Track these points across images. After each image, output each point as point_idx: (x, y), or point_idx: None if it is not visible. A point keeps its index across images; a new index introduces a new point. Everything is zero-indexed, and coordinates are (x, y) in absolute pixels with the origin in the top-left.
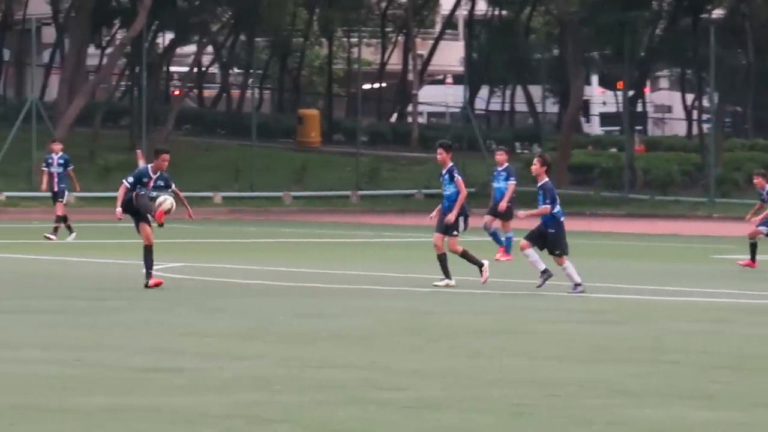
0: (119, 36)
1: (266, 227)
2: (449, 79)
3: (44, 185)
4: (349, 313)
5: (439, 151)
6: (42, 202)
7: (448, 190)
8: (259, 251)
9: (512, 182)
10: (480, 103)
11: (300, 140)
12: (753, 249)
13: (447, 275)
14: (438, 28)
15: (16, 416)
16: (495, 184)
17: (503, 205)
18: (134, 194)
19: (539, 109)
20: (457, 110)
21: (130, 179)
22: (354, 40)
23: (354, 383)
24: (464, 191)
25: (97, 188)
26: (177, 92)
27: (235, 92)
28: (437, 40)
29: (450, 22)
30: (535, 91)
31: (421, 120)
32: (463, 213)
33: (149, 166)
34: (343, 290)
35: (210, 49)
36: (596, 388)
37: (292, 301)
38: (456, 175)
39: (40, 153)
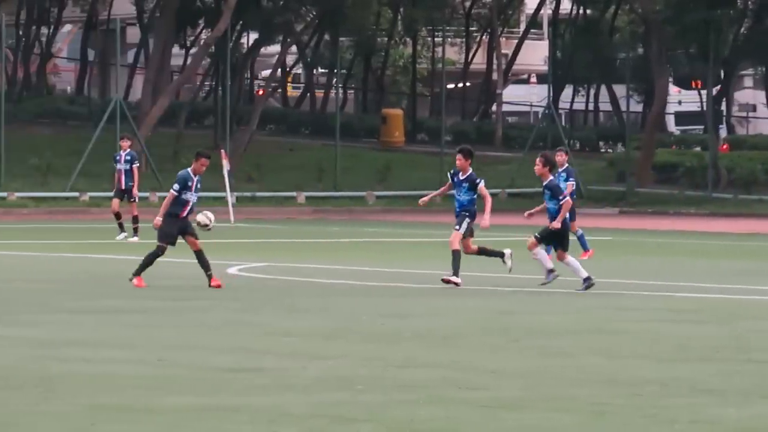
0: (203, 36)
1: (349, 227)
2: (533, 79)
3: (119, 183)
4: (431, 312)
5: (459, 157)
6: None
7: (463, 195)
8: (343, 251)
9: (571, 182)
10: (564, 103)
11: (383, 140)
12: None
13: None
14: (522, 27)
15: (98, 416)
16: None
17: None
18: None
19: (623, 108)
20: (541, 109)
21: (177, 186)
22: (438, 39)
23: (436, 383)
24: (489, 197)
25: None
26: (261, 92)
27: (319, 92)
28: (521, 39)
29: (534, 22)
30: (619, 90)
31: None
32: (472, 215)
33: (189, 169)
34: (426, 290)
35: (294, 48)
36: (679, 387)
37: (375, 300)
38: (478, 182)
39: None
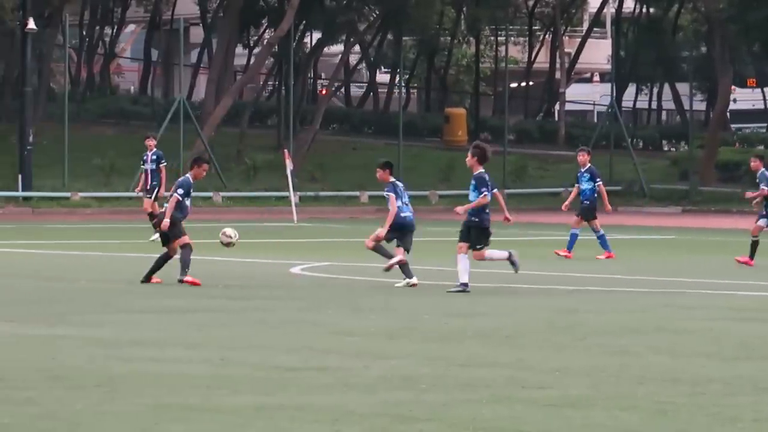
0: (267, 36)
1: None
2: (596, 77)
3: (140, 185)
4: (494, 311)
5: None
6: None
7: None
8: None
9: (600, 182)
10: (627, 101)
11: (446, 139)
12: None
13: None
14: (585, 26)
15: (161, 416)
16: (580, 186)
17: (608, 207)
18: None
19: (686, 106)
20: (604, 108)
21: (181, 191)
22: (501, 38)
23: (499, 382)
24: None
25: (244, 188)
26: (324, 91)
27: (382, 91)
28: (584, 38)
29: (597, 20)
30: (682, 88)
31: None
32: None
33: (189, 175)
34: (489, 289)
35: (357, 48)
36: (742, 386)
37: (438, 299)
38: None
39: (188, 153)
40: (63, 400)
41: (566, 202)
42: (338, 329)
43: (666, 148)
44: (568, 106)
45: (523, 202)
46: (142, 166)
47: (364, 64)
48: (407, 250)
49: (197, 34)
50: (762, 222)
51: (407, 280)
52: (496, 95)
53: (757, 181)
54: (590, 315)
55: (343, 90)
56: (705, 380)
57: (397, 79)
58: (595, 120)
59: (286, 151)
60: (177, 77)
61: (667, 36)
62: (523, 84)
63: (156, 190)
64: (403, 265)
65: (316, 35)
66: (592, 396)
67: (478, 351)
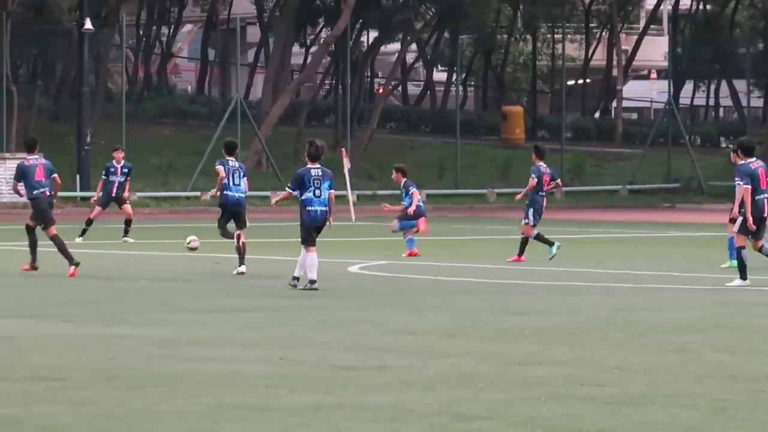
0: (323, 35)
1: (471, 224)
2: (653, 75)
3: (97, 196)
4: (553, 309)
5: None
6: (247, 202)
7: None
8: (464, 248)
9: None
10: (684, 99)
11: (504, 137)
12: None
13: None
14: (642, 23)
15: (219, 415)
16: None
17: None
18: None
19: (744, 103)
20: (661, 105)
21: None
22: (558, 36)
23: (558, 380)
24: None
25: None
26: (381, 90)
27: (439, 90)
28: (641, 35)
29: (654, 17)
30: (740, 85)
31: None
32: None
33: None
34: (547, 287)
35: (414, 46)
36: None
37: (496, 297)
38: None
39: (245, 152)
40: (121, 399)
41: None
42: (396, 328)
43: (723, 145)
44: (626, 104)
45: (581, 200)
46: (104, 177)
47: (420, 63)
48: None
49: (254, 33)
50: None
51: None
52: (553, 93)
53: None
54: (648, 312)
55: (400, 88)
56: (764, 377)
57: (454, 77)
58: (653, 117)
59: (343, 150)
60: (234, 77)
61: (724, 32)
62: (580, 81)
63: (122, 198)
64: None
65: (373, 34)
66: (651, 394)
67: (536, 349)
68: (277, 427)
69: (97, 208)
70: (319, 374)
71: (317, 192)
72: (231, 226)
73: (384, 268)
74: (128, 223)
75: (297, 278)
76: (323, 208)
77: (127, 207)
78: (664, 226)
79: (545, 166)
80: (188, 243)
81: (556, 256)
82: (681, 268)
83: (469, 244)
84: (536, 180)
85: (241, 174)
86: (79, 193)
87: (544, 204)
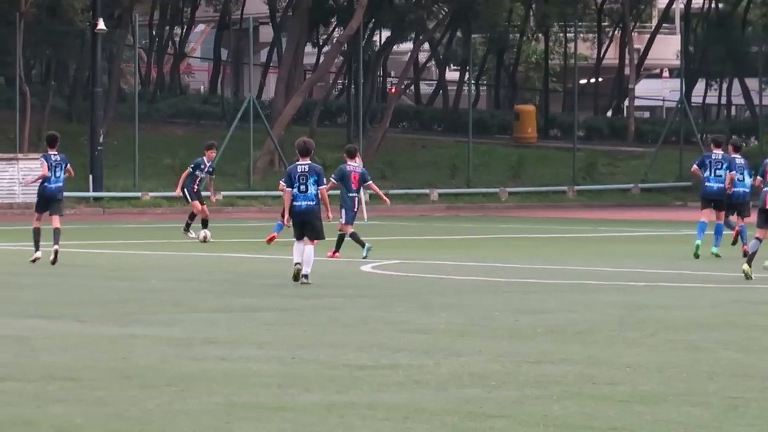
0: (336, 34)
1: (483, 223)
2: (666, 73)
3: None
4: (565, 308)
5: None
6: (260, 201)
7: None
8: (476, 247)
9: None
10: (696, 97)
11: (516, 136)
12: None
13: None
14: (654, 22)
15: (232, 414)
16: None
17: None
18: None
19: (756, 101)
20: (674, 104)
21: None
22: (570, 35)
23: (570, 378)
24: None
25: None
26: (393, 90)
27: (452, 89)
28: (654, 34)
29: (666, 16)
30: (752, 83)
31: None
32: None
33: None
34: (560, 285)
35: (426, 46)
36: None
37: (508, 296)
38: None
39: (258, 152)
40: (134, 399)
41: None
42: (409, 327)
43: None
44: (638, 102)
45: (593, 199)
46: (191, 169)
47: (433, 62)
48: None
49: (267, 33)
50: None
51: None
52: (565, 92)
53: None
54: (660, 311)
55: (412, 88)
56: None
57: (467, 76)
58: (665, 116)
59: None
60: (247, 76)
61: (736, 31)
62: (593, 80)
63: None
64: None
65: (386, 33)
66: (663, 392)
67: (548, 347)
68: (289, 426)
69: (195, 203)
70: (331, 373)
71: (302, 187)
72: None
73: (396, 267)
74: (205, 223)
75: (306, 275)
76: (308, 203)
77: (205, 207)
78: (676, 224)
79: (356, 165)
80: (202, 238)
81: (572, 256)
82: (693, 266)
83: (481, 243)
84: (336, 181)
85: (63, 166)
86: (92, 194)
87: (356, 204)
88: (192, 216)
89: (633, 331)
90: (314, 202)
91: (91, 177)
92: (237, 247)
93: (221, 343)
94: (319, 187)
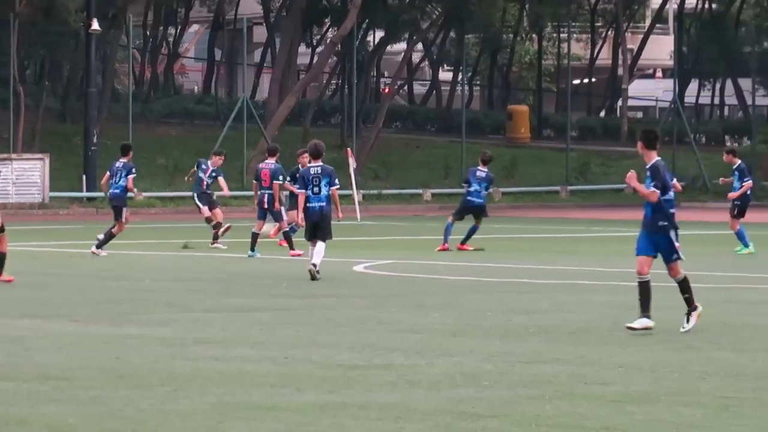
0: (330, 34)
1: None
2: (659, 73)
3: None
4: (558, 308)
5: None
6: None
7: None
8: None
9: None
10: (689, 97)
11: (509, 136)
12: None
13: None
14: (648, 22)
15: (225, 414)
16: None
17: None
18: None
19: (749, 101)
20: (667, 104)
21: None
22: (564, 35)
23: (562, 378)
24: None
25: None
26: (387, 90)
27: (445, 89)
28: (647, 34)
29: (660, 16)
30: (745, 83)
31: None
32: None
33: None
34: (553, 285)
35: (420, 46)
36: None
37: (501, 296)
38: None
39: (251, 152)
40: (128, 399)
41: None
42: (402, 327)
43: (728, 144)
44: (631, 102)
45: (586, 199)
46: (195, 169)
47: (426, 62)
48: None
49: (260, 33)
50: None
51: None
52: (558, 92)
53: None
54: (652, 311)
55: (406, 88)
56: None
57: (460, 76)
58: (658, 116)
59: (349, 149)
60: (240, 77)
61: (729, 31)
62: (586, 80)
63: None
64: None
65: (379, 34)
66: (655, 392)
67: (541, 347)
68: (282, 426)
69: (204, 208)
70: (324, 373)
71: (316, 189)
72: None
73: (389, 267)
74: (216, 226)
75: (315, 264)
76: (321, 204)
77: (217, 211)
78: None
79: (271, 162)
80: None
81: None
82: (685, 266)
83: (474, 243)
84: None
85: (123, 174)
86: (85, 194)
87: (265, 201)
88: (215, 226)
89: (625, 331)
90: (326, 204)
91: (84, 177)
92: (230, 247)
93: (214, 343)
94: (331, 188)
